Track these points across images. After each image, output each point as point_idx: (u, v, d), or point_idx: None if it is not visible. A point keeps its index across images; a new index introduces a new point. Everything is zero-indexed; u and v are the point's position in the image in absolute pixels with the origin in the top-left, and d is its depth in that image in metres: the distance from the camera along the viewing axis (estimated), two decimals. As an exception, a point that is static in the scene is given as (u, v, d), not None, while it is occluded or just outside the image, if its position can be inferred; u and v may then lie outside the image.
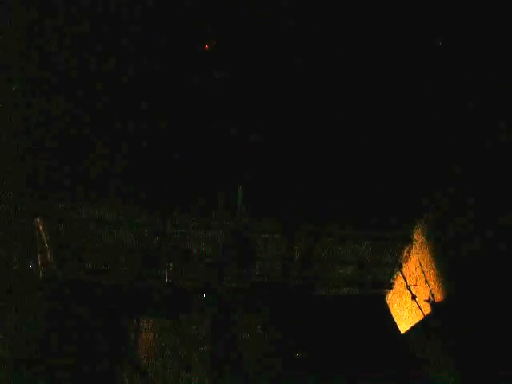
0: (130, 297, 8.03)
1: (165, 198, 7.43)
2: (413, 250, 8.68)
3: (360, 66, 6.58)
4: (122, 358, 7.58)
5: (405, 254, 8.83)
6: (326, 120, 7.09)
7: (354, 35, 6.26)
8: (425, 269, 8.28)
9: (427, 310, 8.23)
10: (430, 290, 8.13)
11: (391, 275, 9.26)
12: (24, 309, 7.02)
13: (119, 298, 7.90)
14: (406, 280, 8.75)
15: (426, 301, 8.20)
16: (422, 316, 8.38)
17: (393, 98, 6.87)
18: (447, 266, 7.84)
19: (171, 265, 7.79)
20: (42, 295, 7.37)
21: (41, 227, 7.26)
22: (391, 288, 9.36)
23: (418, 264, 8.48)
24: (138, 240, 7.68)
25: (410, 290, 8.59)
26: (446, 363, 8.10)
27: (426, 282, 8.20)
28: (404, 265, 8.93)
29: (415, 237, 8.58)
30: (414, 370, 8.57)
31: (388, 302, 9.52)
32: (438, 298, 8.02)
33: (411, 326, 8.83)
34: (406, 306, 8.82)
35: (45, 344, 7.14)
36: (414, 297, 8.49)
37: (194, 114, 6.83)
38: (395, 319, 9.30)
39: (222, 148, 7.21)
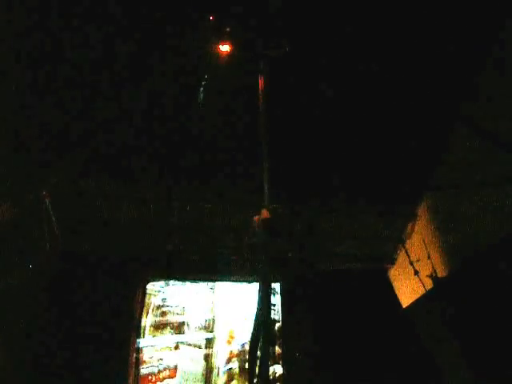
0: (133, 268, 8.20)
1: (168, 171, 7.47)
2: (416, 226, 8.68)
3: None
4: (126, 327, 7.82)
5: (408, 229, 8.83)
6: (331, 99, 7.02)
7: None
8: (428, 244, 8.29)
9: (429, 285, 8.28)
10: (433, 266, 8.15)
11: (394, 250, 9.29)
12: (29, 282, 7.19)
13: (123, 269, 8.07)
14: (408, 255, 8.76)
15: (428, 276, 8.23)
16: (424, 291, 8.43)
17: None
18: (450, 242, 7.84)
19: (175, 238, 7.90)
20: (48, 268, 7.54)
21: (47, 200, 7.36)
22: (394, 263, 9.41)
23: (421, 240, 8.48)
24: (141, 213, 7.79)
25: (412, 265, 8.61)
26: (446, 338, 8.21)
27: (429, 257, 8.21)
28: (407, 240, 8.95)
29: (419, 212, 8.56)
30: (416, 344, 8.70)
31: (390, 277, 9.59)
32: (441, 273, 8.05)
33: (413, 300, 8.92)
34: (409, 282, 8.87)
35: (48, 314, 7.37)
36: (416, 272, 8.51)
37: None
38: (397, 294, 9.39)
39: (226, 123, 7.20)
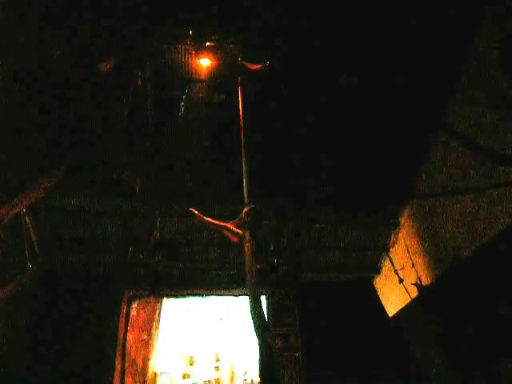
0: (116, 285, 8.06)
1: (152, 188, 7.41)
2: (400, 235, 8.75)
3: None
4: (107, 343, 7.66)
5: (392, 238, 8.90)
6: (318, 111, 7.07)
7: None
8: (411, 253, 8.37)
9: (414, 293, 8.34)
10: (417, 274, 8.23)
11: (379, 259, 9.35)
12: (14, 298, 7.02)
13: (106, 287, 7.93)
14: (393, 264, 8.84)
15: (412, 284, 8.31)
16: (409, 299, 8.50)
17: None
18: (433, 249, 7.92)
19: (159, 253, 7.81)
20: (31, 285, 7.36)
21: (27, 219, 7.21)
22: (379, 272, 9.46)
23: (404, 248, 8.56)
24: (125, 229, 7.68)
25: (397, 273, 8.68)
26: (432, 344, 8.27)
27: (413, 265, 8.30)
28: (391, 249, 9.01)
29: (402, 221, 8.64)
30: (402, 351, 8.73)
31: (376, 285, 9.63)
32: (425, 280, 8.12)
33: (399, 308, 8.96)
34: (394, 290, 8.93)
35: (34, 331, 7.20)
36: (401, 280, 8.59)
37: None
38: (383, 302, 9.43)
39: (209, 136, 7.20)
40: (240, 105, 5.76)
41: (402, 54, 6.46)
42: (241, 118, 5.71)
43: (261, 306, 4.08)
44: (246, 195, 5.15)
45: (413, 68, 6.60)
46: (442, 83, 6.84)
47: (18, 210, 6.78)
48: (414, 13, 6.08)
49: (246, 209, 4.84)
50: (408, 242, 8.48)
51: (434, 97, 7.00)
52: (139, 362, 8.33)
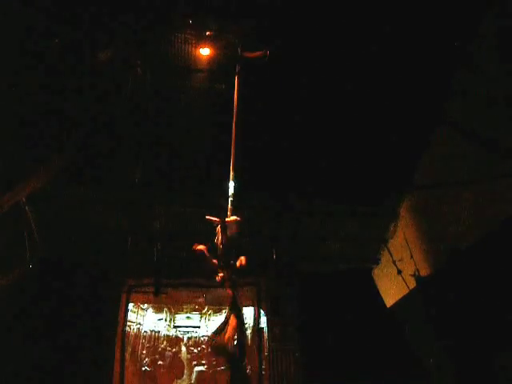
0: (116, 275, 8.10)
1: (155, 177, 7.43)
2: (399, 226, 8.76)
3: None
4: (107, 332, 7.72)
5: (391, 229, 8.91)
6: (316, 102, 7.06)
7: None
8: (410, 244, 8.38)
9: (412, 284, 8.37)
10: (415, 265, 8.25)
11: (377, 250, 9.36)
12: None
13: (105, 276, 7.96)
14: (391, 255, 8.85)
15: (411, 275, 8.33)
16: (407, 290, 8.53)
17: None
18: (432, 240, 7.95)
19: (159, 244, 7.83)
20: (30, 273, 7.37)
21: (27, 208, 7.20)
22: (378, 263, 9.48)
23: (403, 239, 8.57)
24: (125, 218, 7.70)
25: (395, 264, 8.70)
26: (429, 335, 8.32)
27: (412, 256, 8.31)
28: (390, 240, 9.03)
29: (401, 213, 8.64)
30: (400, 342, 8.78)
31: (375, 276, 9.67)
32: (423, 272, 8.15)
33: (397, 299, 9.01)
34: (392, 281, 8.96)
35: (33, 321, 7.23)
36: (399, 271, 8.61)
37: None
38: (381, 293, 9.47)
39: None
40: (235, 94, 5.70)
41: (401, 45, 6.42)
42: (235, 106, 5.65)
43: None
44: (230, 194, 4.93)
45: (412, 59, 6.57)
46: (441, 75, 6.80)
47: (18, 198, 6.79)
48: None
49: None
50: (407, 234, 8.49)
51: (434, 88, 6.97)
52: (139, 351, 8.39)
